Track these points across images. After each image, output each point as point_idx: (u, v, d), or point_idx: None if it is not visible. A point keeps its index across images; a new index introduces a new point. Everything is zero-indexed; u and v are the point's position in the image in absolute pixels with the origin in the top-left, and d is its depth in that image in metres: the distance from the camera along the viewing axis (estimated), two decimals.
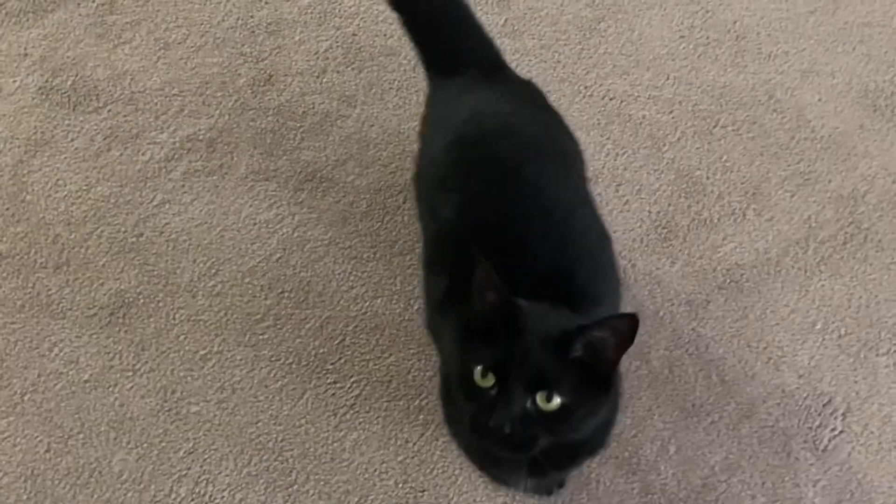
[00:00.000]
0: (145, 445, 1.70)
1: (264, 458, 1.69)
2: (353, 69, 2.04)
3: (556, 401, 1.09)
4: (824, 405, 1.70)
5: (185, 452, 1.69)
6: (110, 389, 1.74)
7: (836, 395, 1.71)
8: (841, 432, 1.68)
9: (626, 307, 1.77)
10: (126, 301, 1.82)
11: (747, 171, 1.91)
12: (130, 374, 1.76)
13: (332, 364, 1.76)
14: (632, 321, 1.09)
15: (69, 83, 2.04)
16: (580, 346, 1.11)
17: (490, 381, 1.11)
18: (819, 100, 1.98)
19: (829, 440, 1.67)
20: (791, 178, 1.90)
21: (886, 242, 1.83)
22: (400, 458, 1.68)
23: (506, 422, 1.09)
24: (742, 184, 1.90)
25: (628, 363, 1.73)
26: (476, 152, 1.39)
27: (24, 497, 1.65)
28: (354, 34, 2.08)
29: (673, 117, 1.97)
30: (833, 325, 1.77)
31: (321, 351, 1.77)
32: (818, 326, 1.77)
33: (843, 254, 1.83)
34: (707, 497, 1.64)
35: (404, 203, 1.88)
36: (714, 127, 1.96)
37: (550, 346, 1.11)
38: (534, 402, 1.09)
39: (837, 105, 1.98)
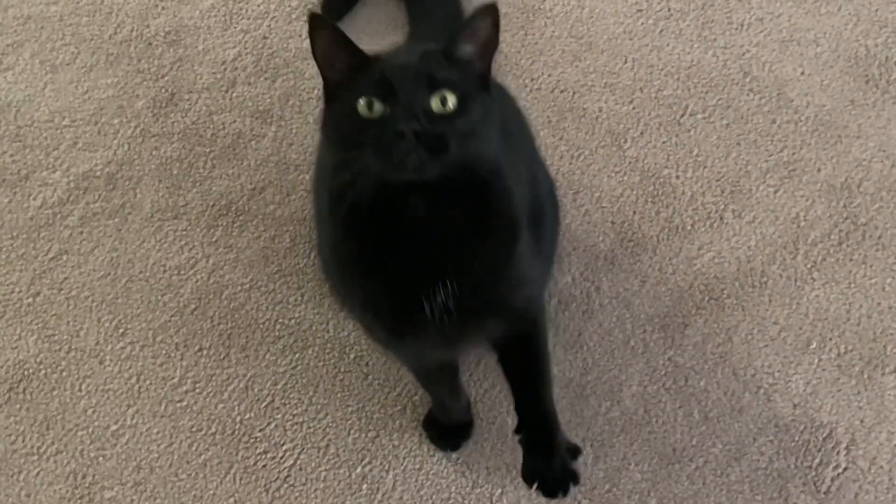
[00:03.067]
0: None
1: None
2: (266, 79, 1.78)
3: (452, 100, 1.04)
4: (824, 438, 1.48)
5: None
6: (14, 477, 1.54)
7: (838, 425, 1.49)
8: (845, 469, 1.46)
9: (592, 336, 1.55)
10: (26, 373, 1.60)
11: (723, 165, 1.66)
12: (35, 457, 1.55)
13: (260, 431, 1.55)
14: (488, 13, 1.06)
15: None
16: (455, 51, 1.07)
17: (378, 108, 1.04)
18: (802, 73, 1.72)
19: (833, 480, 1.46)
20: (774, 170, 1.65)
21: (888, 238, 1.59)
22: None
23: (413, 117, 1.01)
24: (717, 181, 1.65)
25: (597, 406, 1.51)
26: None
27: None
28: (265, 37, 1.82)
29: (634, 107, 1.71)
30: (831, 343, 1.53)
31: (248, 416, 1.56)
32: (813, 345, 1.53)
33: (838, 256, 1.58)
34: None
35: None
36: (682, 115, 1.70)
37: (426, 59, 1.07)
38: (429, 107, 1.04)
39: (823, 78, 1.71)
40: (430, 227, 1.08)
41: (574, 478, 1.29)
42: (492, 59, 1.09)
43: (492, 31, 1.06)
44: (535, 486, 1.29)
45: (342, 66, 1.07)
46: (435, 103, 1.03)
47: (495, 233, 1.13)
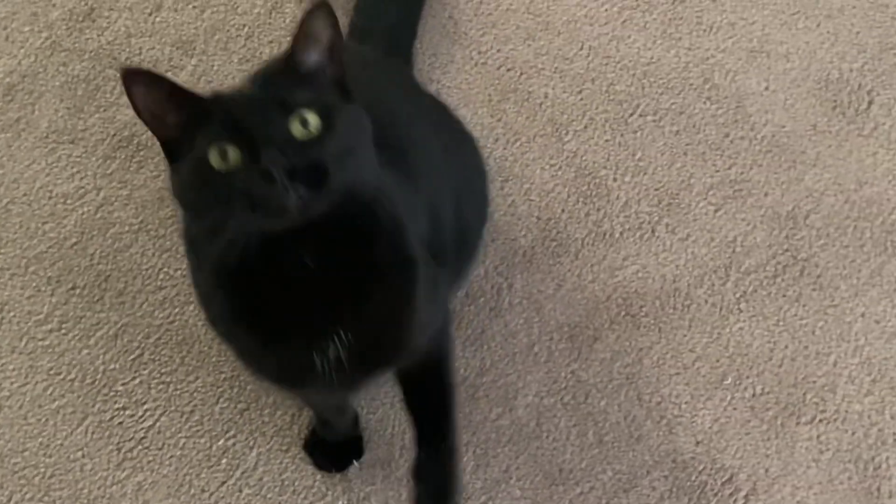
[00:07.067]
0: None
1: (27, 496, 1.37)
2: (194, 7, 1.64)
3: (314, 119, 0.89)
4: (724, 483, 1.37)
5: None
6: None
7: (741, 470, 1.37)
8: None
9: (496, 336, 1.44)
10: None
11: (665, 174, 1.53)
12: None
13: (123, 385, 1.43)
14: (320, 12, 0.92)
15: None
16: (299, 63, 0.94)
17: (233, 154, 0.87)
18: (766, 88, 1.59)
19: None
20: (718, 188, 1.52)
21: (827, 279, 1.47)
22: None
23: (277, 153, 0.86)
24: (656, 190, 1.52)
25: (487, 411, 1.40)
26: None
27: None
28: None
29: (582, 99, 1.58)
30: (747, 381, 1.42)
31: (112, 367, 1.43)
32: (728, 381, 1.42)
33: (771, 289, 1.47)
34: None
35: None
36: (631, 115, 1.57)
37: (269, 81, 0.96)
38: (291, 135, 0.88)
39: (788, 97, 1.58)
40: (316, 277, 0.94)
41: None
42: (342, 61, 0.94)
43: (332, 30, 0.93)
44: None
45: (176, 120, 0.92)
46: (296, 129, 0.88)
47: (389, 275, 1.00)
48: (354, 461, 1.38)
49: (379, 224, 0.97)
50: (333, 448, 1.39)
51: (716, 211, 1.51)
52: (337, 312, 0.98)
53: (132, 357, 1.44)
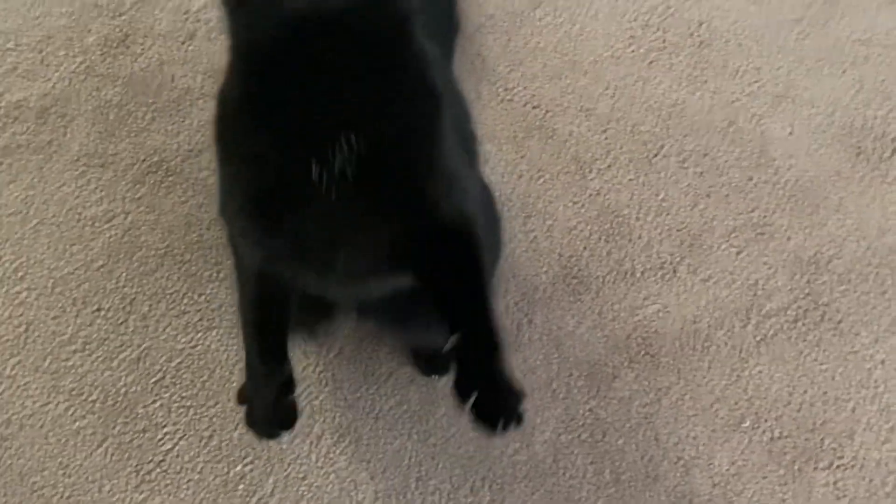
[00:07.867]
0: None
1: None
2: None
3: None
4: None
5: None
6: None
7: None
8: None
9: (515, 371, 1.43)
10: None
11: (687, 215, 1.54)
12: None
13: (144, 407, 1.43)
14: None
15: None
16: None
17: None
18: (790, 133, 1.60)
19: None
20: (740, 231, 1.53)
21: (847, 325, 1.47)
22: None
23: None
24: (678, 231, 1.53)
25: (504, 445, 1.40)
26: None
27: None
28: None
29: (606, 138, 1.59)
30: (765, 425, 1.42)
31: (134, 389, 1.44)
32: (746, 424, 1.42)
33: (791, 334, 1.47)
34: None
35: None
36: (655, 155, 1.58)
37: None
38: None
39: (812, 142, 1.59)
40: (334, 79, 0.94)
41: (518, 417, 1.02)
42: None
43: None
44: (469, 403, 1.01)
45: None
46: None
47: (410, 91, 0.98)
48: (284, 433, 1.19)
49: (406, 46, 0.98)
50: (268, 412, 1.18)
51: (738, 253, 1.51)
52: (349, 113, 0.95)
53: (154, 380, 1.45)
